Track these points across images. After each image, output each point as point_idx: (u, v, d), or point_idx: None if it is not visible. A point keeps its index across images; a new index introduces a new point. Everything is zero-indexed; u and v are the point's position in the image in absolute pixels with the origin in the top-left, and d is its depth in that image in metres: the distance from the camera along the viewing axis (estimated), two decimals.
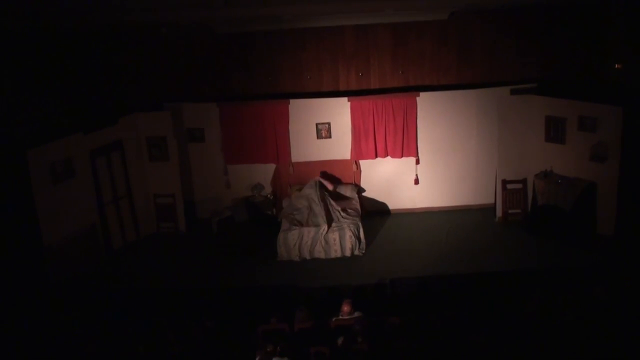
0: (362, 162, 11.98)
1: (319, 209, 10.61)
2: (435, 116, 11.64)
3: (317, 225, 10.36)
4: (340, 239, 10.27)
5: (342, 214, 10.78)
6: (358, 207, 11.19)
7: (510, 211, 11.36)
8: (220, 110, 11.80)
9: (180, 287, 9.53)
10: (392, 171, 11.99)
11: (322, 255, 10.27)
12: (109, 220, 10.73)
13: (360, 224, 10.50)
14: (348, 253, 10.28)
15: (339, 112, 11.71)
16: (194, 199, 12.23)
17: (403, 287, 9.24)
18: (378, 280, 9.43)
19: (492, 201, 11.75)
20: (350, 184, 11.87)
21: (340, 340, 7.11)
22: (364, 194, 11.98)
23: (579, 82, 11.50)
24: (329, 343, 7.11)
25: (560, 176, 10.54)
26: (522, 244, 10.38)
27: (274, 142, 11.86)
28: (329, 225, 10.34)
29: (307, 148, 11.91)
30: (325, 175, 11.67)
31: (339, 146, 11.89)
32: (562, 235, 10.26)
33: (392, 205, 12.14)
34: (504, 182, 11.29)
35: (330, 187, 11.31)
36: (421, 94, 11.58)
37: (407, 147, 11.74)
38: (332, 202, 10.96)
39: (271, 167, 12.10)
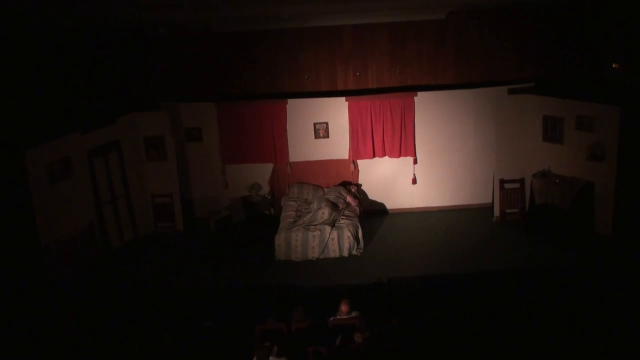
0: (359, 162, 12.00)
1: (328, 211, 10.60)
2: (433, 116, 11.66)
3: (319, 225, 10.38)
4: (338, 239, 10.28)
5: (341, 215, 10.82)
6: (357, 207, 11.20)
7: (507, 211, 11.38)
8: (218, 110, 11.81)
9: (177, 287, 9.53)
10: (389, 171, 12.00)
11: (320, 256, 10.27)
12: (106, 220, 10.72)
13: (359, 225, 10.52)
14: (346, 253, 10.29)
15: (336, 112, 11.73)
16: (191, 198, 12.24)
17: (401, 287, 9.26)
18: (376, 280, 9.44)
19: (490, 201, 11.78)
20: (352, 185, 11.89)
21: (338, 340, 7.12)
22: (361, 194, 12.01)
23: (576, 82, 11.50)
24: (327, 342, 7.11)
25: (557, 176, 10.56)
26: (519, 243, 10.40)
27: (272, 141, 11.87)
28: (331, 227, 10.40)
29: (305, 148, 11.92)
30: (350, 193, 11.58)
31: (337, 146, 11.90)
32: (559, 235, 10.28)
33: (390, 205, 12.16)
34: (502, 182, 11.31)
35: (353, 203, 11.27)
36: (419, 93, 11.61)
37: (404, 146, 11.76)
38: (340, 208, 11.01)
39: (269, 167, 12.11)
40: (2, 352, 7.57)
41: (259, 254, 10.53)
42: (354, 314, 7.66)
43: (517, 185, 11.33)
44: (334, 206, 10.88)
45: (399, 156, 11.85)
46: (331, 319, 7.63)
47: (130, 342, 7.48)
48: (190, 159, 12.10)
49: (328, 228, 10.32)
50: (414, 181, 12.00)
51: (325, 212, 10.56)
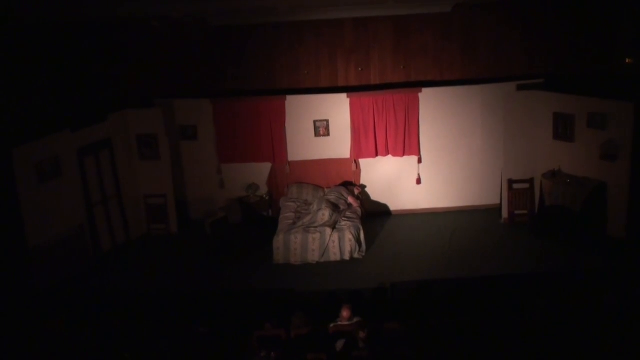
0: (362, 161, 11.99)
1: (328, 212, 10.58)
2: (439, 113, 11.65)
3: (319, 227, 10.38)
4: (339, 241, 10.26)
5: (342, 216, 10.81)
6: (358, 208, 11.18)
7: (516, 212, 11.37)
8: (213, 106, 11.80)
9: (171, 292, 9.51)
10: (393, 170, 12.00)
11: (320, 259, 10.26)
12: (97, 222, 10.71)
13: (360, 227, 10.50)
14: (347, 256, 10.28)
15: (337, 109, 11.72)
16: (186, 199, 12.23)
17: (404, 292, 9.24)
18: (378, 284, 9.43)
19: (498, 202, 11.76)
20: (354, 186, 11.88)
21: (340, 345, 7.09)
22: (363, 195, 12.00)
23: (588, 78, 11.49)
24: (327, 349, 7.10)
25: (568, 176, 10.54)
26: (528, 246, 10.38)
27: (270, 140, 11.86)
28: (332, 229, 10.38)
29: (305, 146, 11.91)
30: (352, 194, 11.55)
31: (338, 144, 11.89)
32: (570, 238, 10.26)
33: (393, 206, 12.15)
34: (510, 182, 11.29)
35: (355, 204, 11.26)
36: (424, 89, 11.59)
37: (408, 145, 11.75)
38: (342, 209, 11.00)
39: (267, 167, 12.10)
40: None
41: (256, 257, 10.51)
42: (355, 320, 7.64)
43: (526, 186, 11.31)
44: (334, 207, 10.87)
45: (403, 155, 11.84)
46: (332, 325, 7.61)
47: (123, 349, 7.47)
48: (185, 158, 12.10)
49: (329, 230, 10.30)
50: (419, 181, 11.98)
51: (325, 214, 10.54)
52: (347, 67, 12.04)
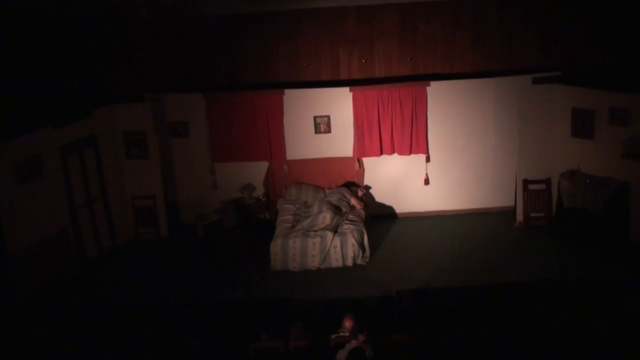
0: (365, 160, 11.99)
1: (329, 215, 10.57)
2: (448, 108, 11.65)
3: (319, 231, 10.36)
4: (341, 246, 10.26)
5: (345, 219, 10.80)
6: (362, 211, 11.17)
7: (532, 215, 11.36)
8: (206, 101, 11.80)
9: (161, 300, 9.51)
10: (399, 170, 11.99)
11: (321, 265, 10.25)
12: (81, 225, 10.71)
13: (364, 231, 10.50)
14: (350, 262, 10.27)
15: (339, 104, 11.72)
16: (177, 201, 12.25)
17: (411, 300, 9.23)
18: (383, 292, 9.42)
19: (512, 204, 11.75)
20: (357, 187, 11.87)
21: (342, 356, 7.05)
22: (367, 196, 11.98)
23: (609, 70, 11.47)
24: None
25: (588, 175, 10.54)
26: (545, 251, 10.38)
27: (267, 137, 11.87)
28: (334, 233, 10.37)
29: (304, 144, 11.92)
30: (355, 195, 11.54)
31: (340, 142, 11.90)
32: (590, 242, 10.26)
33: (400, 208, 12.16)
34: (526, 182, 11.29)
35: (358, 206, 11.25)
36: (432, 83, 11.59)
37: (416, 142, 11.75)
38: (344, 212, 11.00)
39: (263, 166, 12.10)
40: None
41: (252, 263, 10.51)
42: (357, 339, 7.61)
43: (542, 186, 11.31)
44: (336, 210, 10.85)
45: (410, 153, 11.84)
46: (333, 336, 7.60)
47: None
48: (176, 157, 12.10)
49: (330, 234, 10.29)
50: (427, 181, 11.98)
51: (326, 217, 10.53)
52: (350, 59, 12.03)
